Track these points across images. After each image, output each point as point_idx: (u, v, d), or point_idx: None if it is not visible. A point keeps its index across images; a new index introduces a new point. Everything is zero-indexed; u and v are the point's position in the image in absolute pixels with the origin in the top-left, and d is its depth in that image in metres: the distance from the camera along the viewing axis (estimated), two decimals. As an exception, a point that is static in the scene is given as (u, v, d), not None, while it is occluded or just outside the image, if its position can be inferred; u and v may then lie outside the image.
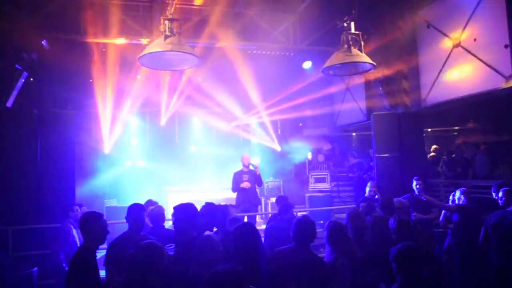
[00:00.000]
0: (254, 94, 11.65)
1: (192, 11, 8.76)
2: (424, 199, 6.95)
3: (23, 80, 7.73)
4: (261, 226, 10.29)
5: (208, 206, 4.62)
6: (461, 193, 6.39)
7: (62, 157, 7.75)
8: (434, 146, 12.25)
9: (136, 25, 8.65)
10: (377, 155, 9.25)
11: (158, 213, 4.92)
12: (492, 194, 5.95)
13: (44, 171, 7.59)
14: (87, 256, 3.63)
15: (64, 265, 5.65)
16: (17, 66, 7.62)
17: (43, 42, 8.02)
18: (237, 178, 8.57)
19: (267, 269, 3.68)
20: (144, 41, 8.52)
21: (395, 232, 4.46)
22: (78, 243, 5.82)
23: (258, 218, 9.83)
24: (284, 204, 6.01)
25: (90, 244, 3.73)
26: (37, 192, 7.42)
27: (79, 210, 6.33)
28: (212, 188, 11.30)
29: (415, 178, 7.23)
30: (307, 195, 11.45)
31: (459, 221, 6.31)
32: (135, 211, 4.32)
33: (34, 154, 7.59)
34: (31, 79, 8.05)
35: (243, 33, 9.14)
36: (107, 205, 10.16)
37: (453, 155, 11.11)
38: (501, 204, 5.43)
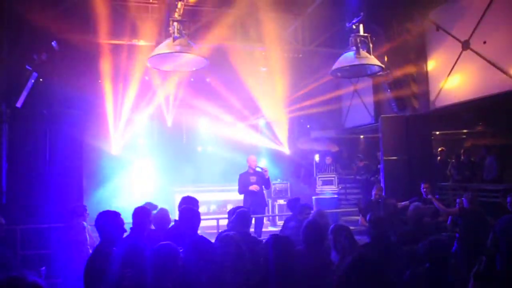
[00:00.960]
0: (261, 96, 11.64)
1: (200, 12, 8.79)
2: (429, 197, 6.95)
3: (32, 81, 7.79)
4: (267, 228, 10.30)
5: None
6: (463, 197, 6.35)
7: (71, 156, 7.83)
8: (440, 149, 12.16)
9: (145, 26, 8.69)
10: (384, 157, 9.23)
11: (161, 217, 4.94)
12: (501, 199, 5.93)
13: (52, 171, 7.65)
14: (104, 255, 3.64)
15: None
16: (27, 66, 7.68)
17: (53, 43, 8.09)
18: (244, 179, 8.53)
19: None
20: (152, 42, 8.56)
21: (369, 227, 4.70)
22: (89, 241, 5.90)
23: (265, 220, 9.82)
24: (302, 205, 6.07)
25: (107, 243, 3.74)
26: (45, 191, 7.48)
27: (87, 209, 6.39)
28: (219, 189, 11.32)
29: (423, 182, 7.24)
30: (314, 197, 11.43)
31: (462, 225, 6.27)
32: (141, 214, 4.35)
33: (42, 153, 7.65)
34: (41, 80, 8.12)
35: (252, 35, 9.15)
36: (115, 205, 10.20)
37: (462, 158, 11.03)
38: (510, 209, 5.39)
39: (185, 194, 5.52)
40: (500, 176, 9.87)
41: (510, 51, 6.99)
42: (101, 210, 3.95)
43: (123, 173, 11.68)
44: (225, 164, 12.22)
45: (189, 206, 4.63)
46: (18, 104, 7.70)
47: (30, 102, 7.89)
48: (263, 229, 8.74)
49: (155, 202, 5.86)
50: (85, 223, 6.09)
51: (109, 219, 3.78)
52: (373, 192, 7.53)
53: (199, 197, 5.64)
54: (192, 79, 11.89)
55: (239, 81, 10.90)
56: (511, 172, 10.78)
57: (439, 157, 11.78)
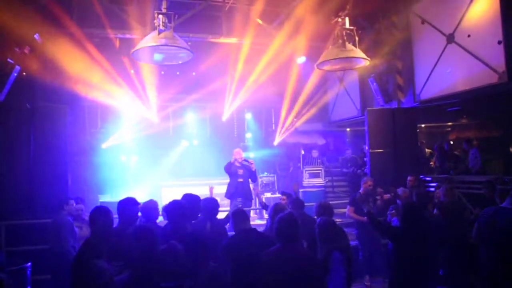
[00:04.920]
0: (247, 89, 11.62)
1: (185, 5, 8.72)
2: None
3: (15, 74, 7.66)
4: (255, 221, 10.32)
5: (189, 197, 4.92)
6: (439, 190, 6.44)
7: (55, 151, 7.73)
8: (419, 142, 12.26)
9: (130, 19, 8.60)
10: (370, 150, 9.30)
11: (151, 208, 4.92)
12: (483, 190, 6.02)
13: (36, 166, 7.56)
14: (94, 248, 3.67)
15: None
16: (9, 60, 7.55)
17: (35, 36, 7.95)
18: (231, 169, 8.55)
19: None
20: (137, 35, 8.48)
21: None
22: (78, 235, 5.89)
23: (252, 213, 9.84)
24: (294, 199, 6.06)
25: (97, 237, 3.78)
26: (29, 187, 7.40)
27: (73, 204, 6.35)
28: (206, 182, 11.28)
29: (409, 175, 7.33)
30: (301, 190, 11.47)
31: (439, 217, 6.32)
32: (128, 205, 4.34)
33: (26, 149, 7.55)
34: (24, 73, 7.99)
35: (237, 28, 9.10)
36: (101, 200, 10.13)
37: (446, 151, 11.18)
38: (498, 200, 5.48)
39: (172, 189, 5.53)
40: (484, 168, 10.03)
41: (494, 45, 7.06)
42: (85, 205, 3.95)
43: (109, 167, 11.59)
44: (212, 158, 12.21)
45: (174, 200, 4.62)
46: (1, 98, 7.58)
47: (13, 96, 7.77)
48: (251, 222, 8.75)
49: (143, 197, 5.82)
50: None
51: (102, 214, 3.83)
52: (363, 185, 7.50)
53: (186, 191, 5.63)
54: (178, 73, 11.82)
55: (224, 74, 10.86)
56: (494, 163, 10.99)
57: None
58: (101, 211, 3.86)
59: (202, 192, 6.78)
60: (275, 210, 4.81)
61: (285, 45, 9.93)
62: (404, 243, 4.70)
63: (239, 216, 4.40)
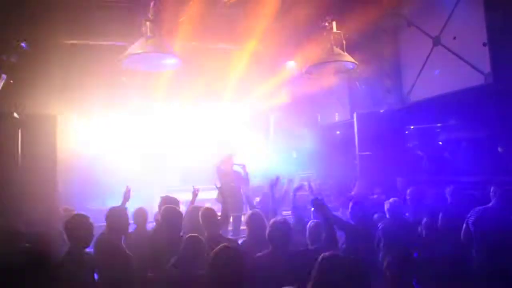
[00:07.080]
0: (236, 93, 11.60)
1: (175, 11, 8.69)
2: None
3: (2, 83, 7.59)
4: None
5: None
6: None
7: (44, 160, 7.66)
8: None
9: (117, 27, 8.55)
10: (359, 153, 9.33)
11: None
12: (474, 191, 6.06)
13: (24, 176, 7.47)
14: (74, 258, 3.61)
15: None
16: (-5, 68, 7.49)
17: (22, 44, 7.89)
18: (222, 173, 8.51)
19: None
20: (125, 42, 8.43)
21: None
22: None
23: (243, 218, 9.80)
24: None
25: (76, 247, 3.71)
26: (17, 196, 7.29)
27: (62, 213, 6.28)
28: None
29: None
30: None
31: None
32: (117, 214, 4.29)
33: (14, 157, 7.47)
34: (11, 81, 7.92)
35: (227, 33, 9.09)
36: (90, 207, 10.01)
37: (434, 152, 11.23)
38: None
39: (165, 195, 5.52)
40: (473, 169, 10.07)
41: (479, 47, 7.15)
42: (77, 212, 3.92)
43: (99, 174, 11.47)
44: (204, 164, 12.12)
45: (171, 206, 4.61)
46: (-13, 108, 7.51)
47: (0, 105, 7.69)
48: (242, 227, 8.74)
49: (136, 204, 5.75)
50: None
51: (78, 223, 3.77)
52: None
53: (178, 197, 5.62)
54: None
55: (213, 78, 10.86)
56: (482, 164, 11.04)
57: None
58: (78, 219, 3.83)
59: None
60: (251, 219, 4.80)
61: (274, 50, 9.96)
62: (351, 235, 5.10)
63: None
